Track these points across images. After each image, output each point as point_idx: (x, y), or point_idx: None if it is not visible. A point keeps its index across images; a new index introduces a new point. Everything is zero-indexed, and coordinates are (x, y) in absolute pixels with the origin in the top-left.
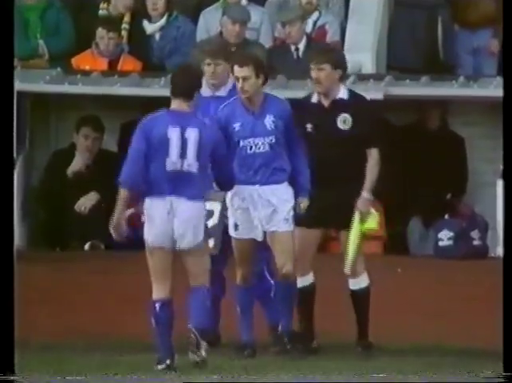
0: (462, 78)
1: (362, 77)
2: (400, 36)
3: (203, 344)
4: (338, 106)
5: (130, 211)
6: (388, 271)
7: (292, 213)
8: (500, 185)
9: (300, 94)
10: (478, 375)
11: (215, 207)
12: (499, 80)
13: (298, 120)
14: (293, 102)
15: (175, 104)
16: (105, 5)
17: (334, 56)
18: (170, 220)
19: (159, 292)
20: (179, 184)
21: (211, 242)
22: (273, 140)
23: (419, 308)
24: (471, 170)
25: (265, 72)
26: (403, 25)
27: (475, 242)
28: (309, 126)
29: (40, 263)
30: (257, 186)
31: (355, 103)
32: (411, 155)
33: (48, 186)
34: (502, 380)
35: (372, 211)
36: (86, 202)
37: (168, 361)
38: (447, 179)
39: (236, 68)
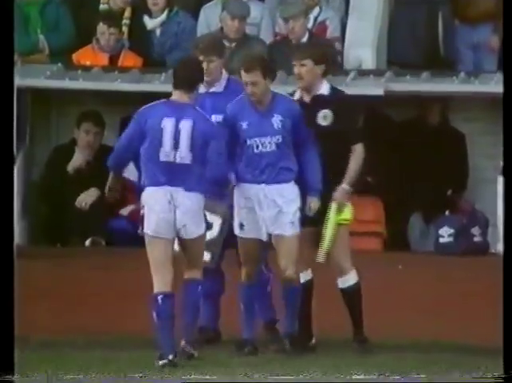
0: (462, 74)
1: (362, 73)
2: (401, 32)
3: (195, 353)
4: (319, 102)
5: (131, 207)
6: (389, 268)
7: (298, 215)
8: (500, 181)
9: None
10: (478, 372)
11: (215, 220)
12: (500, 76)
13: None
14: None
15: (176, 96)
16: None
17: (316, 51)
18: (171, 210)
19: (160, 285)
20: (175, 175)
21: (208, 256)
22: (280, 140)
23: (420, 304)
24: (472, 166)
25: (272, 71)
26: (404, 21)
27: (476, 239)
28: None
29: (40, 259)
30: (263, 185)
31: (336, 99)
32: (412, 151)
33: (48, 182)
34: (503, 376)
35: (348, 203)
36: (87, 198)
37: (171, 357)
38: (448, 175)
39: (243, 73)
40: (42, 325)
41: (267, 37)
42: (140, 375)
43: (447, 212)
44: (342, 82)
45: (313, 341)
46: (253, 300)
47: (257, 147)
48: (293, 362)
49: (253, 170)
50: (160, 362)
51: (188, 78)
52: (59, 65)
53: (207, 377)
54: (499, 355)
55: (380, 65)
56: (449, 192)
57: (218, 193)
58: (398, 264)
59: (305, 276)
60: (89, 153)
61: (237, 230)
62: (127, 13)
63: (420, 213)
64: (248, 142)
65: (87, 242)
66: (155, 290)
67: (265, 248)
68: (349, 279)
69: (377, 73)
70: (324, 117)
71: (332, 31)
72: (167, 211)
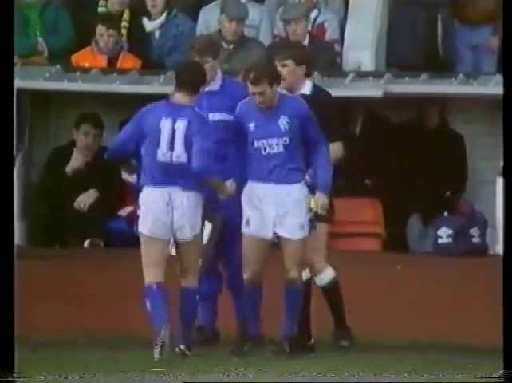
0: (461, 76)
1: (361, 75)
2: (400, 33)
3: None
4: None
5: (129, 208)
6: (388, 268)
7: (308, 217)
8: (500, 183)
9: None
10: (477, 373)
11: (207, 226)
12: (499, 77)
13: None
14: None
15: (177, 97)
16: (104, 2)
17: (297, 52)
18: (169, 211)
19: (154, 275)
20: (172, 175)
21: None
22: (288, 141)
23: (419, 305)
24: (471, 167)
25: (277, 77)
26: (403, 23)
27: (474, 240)
28: None
29: (39, 260)
30: (272, 184)
31: (317, 98)
32: (411, 152)
33: (47, 183)
34: (502, 377)
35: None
36: (85, 199)
37: (166, 340)
38: (447, 176)
39: (250, 85)
40: (42, 325)
41: (266, 39)
42: (140, 375)
43: (445, 213)
44: (341, 84)
45: (312, 341)
46: (255, 306)
47: (265, 149)
48: (291, 362)
49: (261, 171)
50: (156, 355)
51: (191, 80)
52: (58, 66)
53: (206, 377)
54: (499, 355)
55: (378, 66)
56: (448, 193)
57: (198, 185)
58: (397, 265)
59: (303, 275)
60: (88, 155)
61: (243, 228)
62: (125, 15)
63: (419, 214)
64: (255, 144)
65: (85, 244)
66: (149, 280)
67: (268, 251)
68: (324, 277)
69: (376, 74)
70: None
71: (331, 33)
72: (164, 213)
